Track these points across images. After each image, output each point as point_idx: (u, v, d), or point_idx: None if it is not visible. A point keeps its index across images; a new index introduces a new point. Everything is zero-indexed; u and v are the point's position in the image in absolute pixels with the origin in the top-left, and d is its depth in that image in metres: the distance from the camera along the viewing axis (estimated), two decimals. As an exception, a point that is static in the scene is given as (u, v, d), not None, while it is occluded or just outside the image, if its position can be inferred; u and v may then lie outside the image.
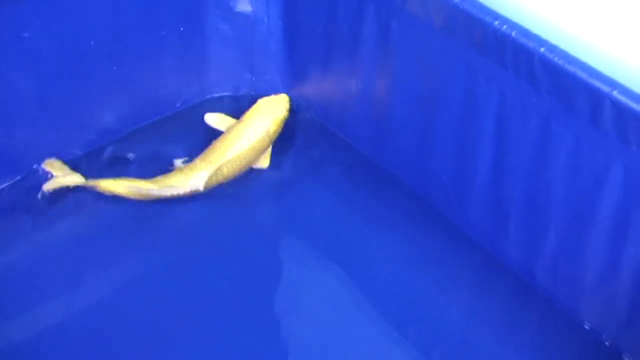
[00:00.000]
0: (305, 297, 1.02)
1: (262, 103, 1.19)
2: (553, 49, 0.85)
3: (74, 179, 1.10)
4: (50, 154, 1.13)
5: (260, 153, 1.16)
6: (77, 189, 1.10)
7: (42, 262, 1.04)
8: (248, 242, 1.08)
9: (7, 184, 1.11)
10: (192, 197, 1.11)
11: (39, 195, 1.08)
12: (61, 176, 1.10)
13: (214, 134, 1.20)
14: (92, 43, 1.11)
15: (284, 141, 1.22)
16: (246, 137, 1.14)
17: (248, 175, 1.15)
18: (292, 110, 1.24)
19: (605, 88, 0.81)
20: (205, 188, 1.11)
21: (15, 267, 1.03)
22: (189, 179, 1.10)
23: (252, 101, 1.27)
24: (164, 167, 1.13)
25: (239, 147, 1.13)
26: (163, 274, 1.04)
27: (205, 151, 1.13)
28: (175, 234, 1.09)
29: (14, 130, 1.09)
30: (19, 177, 1.12)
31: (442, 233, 1.08)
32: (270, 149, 1.18)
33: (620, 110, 0.81)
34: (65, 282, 1.02)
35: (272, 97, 1.21)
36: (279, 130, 1.18)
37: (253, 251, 1.07)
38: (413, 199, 1.12)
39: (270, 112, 1.18)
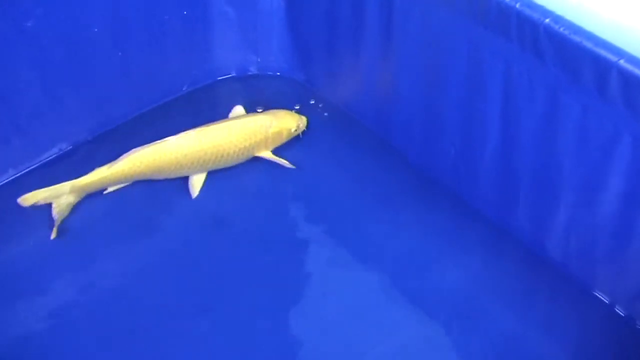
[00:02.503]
0: (316, 274, 1.02)
1: (280, 111, 1.18)
2: (558, 19, 0.84)
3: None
4: (57, 141, 1.13)
5: (251, 148, 1.13)
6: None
7: (54, 246, 1.04)
8: (258, 221, 1.08)
9: (15, 175, 1.11)
10: (205, 182, 1.11)
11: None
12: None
13: (222, 117, 1.20)
14: (95, 30, 1.10)
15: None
16: (242, 124, 1.13)
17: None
18: (298, 89, 1.24)
19: (611, 57, 0.81)
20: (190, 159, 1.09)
21: (26, 256, 1.04)
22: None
23: (258, 82, 1.28)
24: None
25: (230, 130, 1.12)
26: (172, 260, 1.04)
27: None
28: (185, 218, 1.09)
29: (21, 120, 1.10)
30: (26, 168, 1.12)
31: (451, 207, 1.08)
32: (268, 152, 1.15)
33: (627, 79, 0.80)
34: (77, 267, 1.02)
35: (293, 112, 1.19)
36: (280, 138, 1.15)
37: (264, 230, 1.07)
38: (421, 174, 1.12)
39: (282, 118, 1.16)
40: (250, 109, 1.23)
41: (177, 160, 1.09)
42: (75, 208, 1.08)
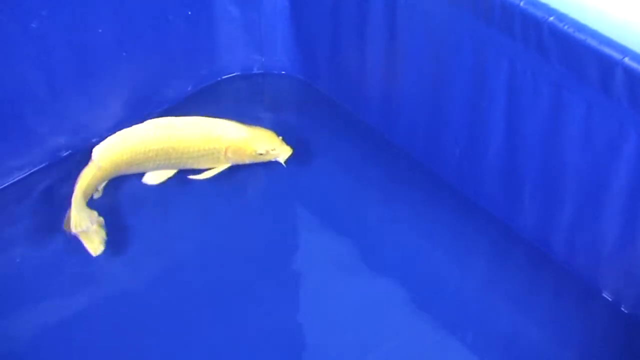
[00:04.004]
0: (320, 273, 1.02)
1: (260, 130, 1.11)
2: (562, 17, 0.84)
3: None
4: (63, 143, 1.13)
5: (206, 152, 1.08)
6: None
7: (60, 248, 1.04)
8: (261, 219, 1.09)
9: (20, 176, 1.11)
10: (206, 180, 1.11)
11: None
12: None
13: (227, 117, 1.20)
14: (100, 30, 1.10)
15: (294, 118, 1.22)
16: (206, 125, 1.09)
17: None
18: (302, 88, 1.24)
19: (616, 55, 0.80)
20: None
21: (34, 257, 1.04)
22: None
23: (263, 80, 1.28)
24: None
25: (191, 126, 1.08)
26: (177, 263, 1.04)
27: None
28: (189, 214, 1.09)
29: (26, 122, 1.10)
30: (32, 170, 1.12)
31: (456, 206, 1.08)
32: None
33: (632, 77, 0.80)
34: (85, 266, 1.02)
35: (274, 136, 1.10)
36: (241, 155, 1.09)
37: (267, 228, 1.07)
38: (426, 173, 1.12)
39: (253, 135, 1.09)
40: (254, 108, 1.23)
41: (140, 153, 1.08)
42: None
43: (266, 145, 1.09)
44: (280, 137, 1.10)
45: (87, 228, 1.01)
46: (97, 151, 1.07)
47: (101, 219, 1.03)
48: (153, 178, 1.10)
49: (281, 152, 1.10)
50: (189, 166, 1.10)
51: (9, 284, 1.00)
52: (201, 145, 1.08)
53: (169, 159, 1.09)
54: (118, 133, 1.09)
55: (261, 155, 1.09)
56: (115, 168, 1.08)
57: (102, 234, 1.02)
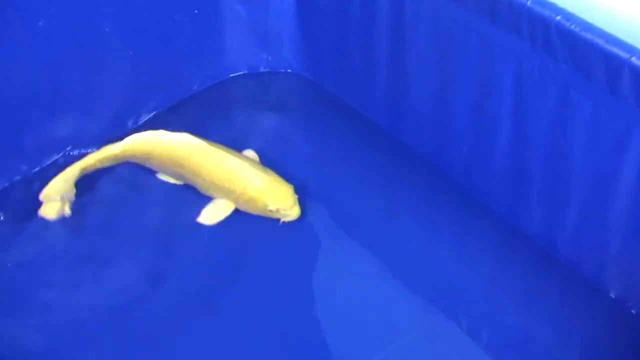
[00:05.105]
0: (324, 271, 1.02)
1: (280, 184, 1.06)
2: (569, 16, 0.84)
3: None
4: (69, 142, 1.13)
5: (224, 189, 1.05)
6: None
7: (73, 243, 1.05)
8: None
9: (25, 174, 1.11)
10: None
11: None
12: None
13: (234, 115, 1.21)
14: (106, 29, 1.11)
15: (300, 117, 1.22)
16: (231, 166, 1.06)
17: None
18: (309, 86, 1.24)
19: (623, 54, 0.80)
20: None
21: (45, 254, 1.04)
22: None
23: (269, 79, 1.28)
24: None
25: (217, 162, 1.06)
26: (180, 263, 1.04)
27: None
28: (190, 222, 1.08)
29: (32, 120, 1.10)
30: (37, 168, 1.12)
31: (462, 204, 1.08)
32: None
33: (639, 76, 0.79)
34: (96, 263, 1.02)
35: (290, 195, 1.05)
36: (251, 205, 1.04)
37: (269, 225, 1.06)
38: (433, 171, 1.12)
39: (269, 190, 1.04)
40: (261, 106, 1.23)
41: (165, 157, 1.08)
42: (93, 204, 1.08)
43: (279, 204, 1.03)
44: (296, 197, 1.05)
45: (55, 199, 1.05)
46: (131, 138, 1.09)
47: (72, 198, 1.06)
48: (166, 178, 1.10)
49: (290, 213, 1.04)
50: (197, 186, 1.08)
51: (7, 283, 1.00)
52: (221, 180, 1.05)
53: (186, 174, 1.08)
54: (154, 132, 1.09)
55: (270, 212, 1.04)
56: (135, 156, 1.10)
57: (65, 210, 1.05)
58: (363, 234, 1.06)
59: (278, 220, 1.05)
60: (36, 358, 0.93)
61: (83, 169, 1.08)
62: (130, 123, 1.19)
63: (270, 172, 1.07)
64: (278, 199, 1.04)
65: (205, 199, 1.07)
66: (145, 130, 1.11)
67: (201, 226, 1.05)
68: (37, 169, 1.12)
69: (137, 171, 1.12)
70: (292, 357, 0.93)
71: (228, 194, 1.05)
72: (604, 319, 0.96)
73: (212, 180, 1.05)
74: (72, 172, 1.07)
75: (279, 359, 0.93)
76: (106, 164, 1.10)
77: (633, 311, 0.96)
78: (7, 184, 1.10)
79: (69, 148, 1.14)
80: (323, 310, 0.98)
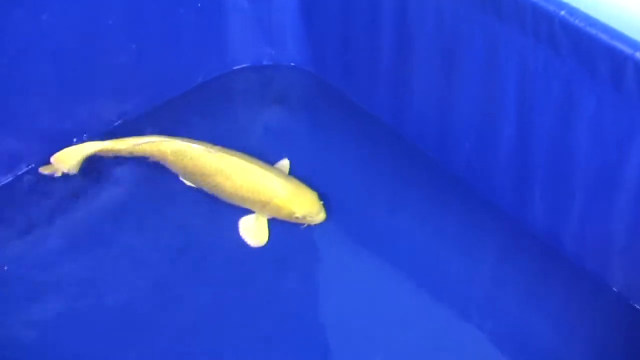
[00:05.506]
0: (325, 266, 1.02)
1: (305, 190, 1.06)
2: (573, 11, 0.83)
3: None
4: (73, 134, 1.13)
5: (248, 200, 1.05)
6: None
7: (78, 231, 1.05)
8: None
9: (30, 166, 1.11)
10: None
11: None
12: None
13: (237, 108, 1.20)
14: (110, 22, 1.11)
15: (303, 111, 1.21)
16: (257, 176, 1.05)
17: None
18: (312, 80, 1.23)
19: (627, 50, 0.80)
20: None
21: (50, 240, 1.04)
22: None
23: (273, 72, 1.27)
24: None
25: (243, 173, 1.05)
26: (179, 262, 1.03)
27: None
28: (193, 215, 1.08)
29: (36, 113, 1.10)
30: (41, 161, 1.11)
31: (466, 200, 1.08)
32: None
33: (643, 72, 0.79)
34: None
35: (316, 201, 1.05)
36: (277, 212, 1.05)
37: (274, 223, 1.07)
38: (436, 167, 1.12)
39: (295, 197, 1.05)
40: (264, 99, 1.23)
41: (187, 164, 1.08)
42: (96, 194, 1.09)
43: (305, 210, 1.04)
44: (322, 202, 1.06)
45: (62, 169, 1.08)
46: (153, 139, 1.09)
47: (74, 172, 1.09)
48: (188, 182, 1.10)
49: (316, 219, 1.05)
50: (218, 194, 1.07)
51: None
52: (245, 189, 1.05)
53: (208, 184, 1.07)
54: (177, 140, 1.09)
55: (296, 218, 1.05)
56: (154, 157, 1.09)
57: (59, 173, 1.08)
58: (364, 229, 1.06)
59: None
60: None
61: (100, 150, 1.09)
62: (133, 114, 1.19)
63: (294, 179, 1.08)
64: (305, 206, 1.04)
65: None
66: (147, 121, 1.12)
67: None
68: (39, 161, 1.11)
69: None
70: (292, 347, 0.94)
71: (253, 203, 1.06)
72: (608, 314, 0.96)
73: (235, 190, 1.05)
74: (89, 147, 1.09)
75: (283, 354, 0.93)
76: (124, 154, 1.10)
77: (637, 306, 0.96)
78: (11, 178, 1.10)
79: (75, 140, 1.13)
80: (321, 304, 0.98)
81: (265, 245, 1.04)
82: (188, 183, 1.09)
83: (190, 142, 1.09)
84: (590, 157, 0.91)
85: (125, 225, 1.06)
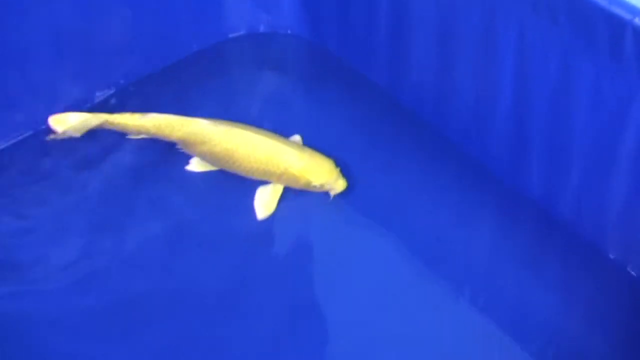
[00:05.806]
0: (328, 238, 1.02)
1: (322, 160, 1.05)
2: (570, -23, 0.83)
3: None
4: (68, 102, 1.12)
5: (264, 171, 1.05)
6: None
7: (77, 207, 1.05)
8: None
9: (29, 133, 1.11)
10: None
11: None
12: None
13: (233, 76, 1.19)
14: (105, -11, 1.10)
15: (300, 78, 1.21)
16: (270, 147, 1.05)
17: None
18: (309, 47, 1.22)
19: (626, 15, 0.79)
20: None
21: (50, 212, 1.04)
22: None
23: (269, 40, 1.27)
24: (185, 110, 1.10)
25: (256, 145, 1.04)
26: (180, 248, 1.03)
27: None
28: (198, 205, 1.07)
29: (32, 80, 1.09)
30: (37, 130, 1.11)
31: (463, 168, 1.08)
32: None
33: (642, 39, 0.79)
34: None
35: (333, 169, 1.05)
36: (296, 183, 1.05)
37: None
38: (433, 134, 1.11)
39: (312, 166, 1.04)
40: (260, 67, 1.22)
41: (198, 141, 1.06)
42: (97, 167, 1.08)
43: (322, 179, 1.04)
44: (339, 169, 1.05)
45: (70, 130, 1.08)
46: (159, 117, 1.07)
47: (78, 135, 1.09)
48: (198, 166, 1.08)
49: (335, 187, 1.04)
50: (234, 170, 1.06)
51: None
52: (259, 162, 1.04)
53: (222, 160, 1.06)
54: (186, 118, 1.07)
55: (314, 187, 1.04)
56: (164, 136, 1.08)
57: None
58: (361, 195, 1.06)
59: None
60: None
61: (106, 121, 1.08)
62: (129, 82, 1.18)
63: (308, 149, 1.07)
64: (321, 174, 1.04)
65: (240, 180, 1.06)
66: (142, 89, 1.11)
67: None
68: (34, 130, 1.11)
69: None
70: (291, 320, 0.94)
71: (269, 175, 1.05)
72: (604, 281, 0.97)
73: (250, 163, 1.05)
74: (94, 118, 1.08)
75: (291, 333, 0.94)
76: (130, 131, 1.08)
77: (633, 273, 0.96)
78: (12, 142, 1.10)
79: (68, 106, 1.12)
80: (317, 271, 0.99)
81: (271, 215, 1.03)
82: (196, 169, 1.08)
83: (198, 121, 1.07)
84: (587, 125, 0.90)
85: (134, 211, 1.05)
